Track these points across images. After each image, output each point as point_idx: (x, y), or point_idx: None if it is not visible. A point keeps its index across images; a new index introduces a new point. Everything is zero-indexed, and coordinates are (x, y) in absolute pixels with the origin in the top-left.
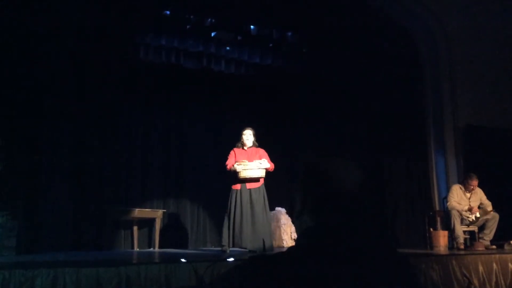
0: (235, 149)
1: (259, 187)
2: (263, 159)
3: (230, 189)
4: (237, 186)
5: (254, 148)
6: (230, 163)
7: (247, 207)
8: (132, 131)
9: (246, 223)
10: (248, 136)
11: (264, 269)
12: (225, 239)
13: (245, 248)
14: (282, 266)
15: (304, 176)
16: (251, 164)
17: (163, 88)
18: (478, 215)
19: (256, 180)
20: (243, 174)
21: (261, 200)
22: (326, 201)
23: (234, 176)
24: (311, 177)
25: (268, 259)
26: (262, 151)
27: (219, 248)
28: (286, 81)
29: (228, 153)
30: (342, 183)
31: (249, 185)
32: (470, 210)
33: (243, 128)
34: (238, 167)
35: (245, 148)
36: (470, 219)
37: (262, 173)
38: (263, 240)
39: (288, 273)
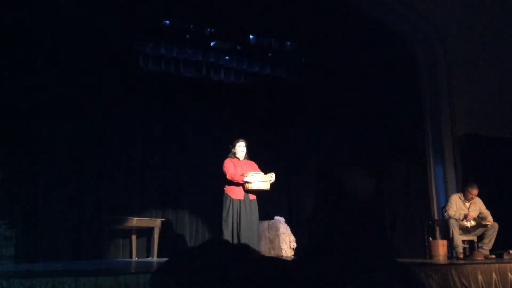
0: (230, 159)
1: (255, 199)
2: (272, 173)
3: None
4: (240, 196)
5: (247, 161)
6: (236, 173)
7: (249, 218)
8: (131, 140)
9: (250, 233)
10: (242, 148)
11: (276, 273)
12: None
13: None
14: (298, 270)
15: (319, 183)
16: (265, 176)
17: (162, 97)
18: (473, 223)
19: (258, 192)
20: (257, 186)
21: (257, 211)
22: (341, 208)
23: (236, 186)
24: (326, 184)
25: (284, 264)
26: (255, 164)
27: None
28: (285, 90)
29: (221, 163)
30: (356, 191)
31: (251, 196)
32: (465, 217)
33: (236, 140)
34: (252, 178)
35: (240, 159)
36: (466, 225)
37: (269, 187)
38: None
39: (302, 277)
